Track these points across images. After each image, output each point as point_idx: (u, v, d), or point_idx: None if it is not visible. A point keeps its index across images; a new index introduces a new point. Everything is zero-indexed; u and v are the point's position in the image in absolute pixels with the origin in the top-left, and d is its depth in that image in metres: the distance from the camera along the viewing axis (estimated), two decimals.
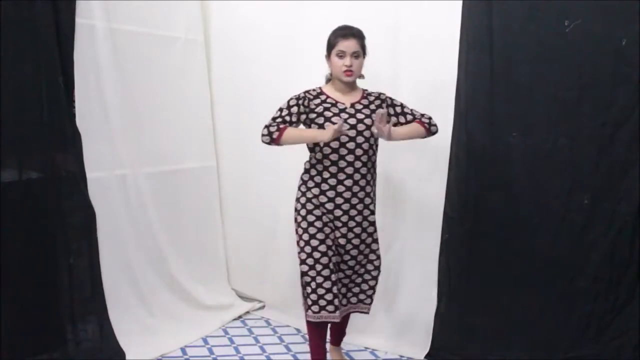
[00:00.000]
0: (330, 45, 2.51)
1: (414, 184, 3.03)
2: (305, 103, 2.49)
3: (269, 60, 3.42)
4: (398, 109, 2.61)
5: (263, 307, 3.60)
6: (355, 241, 2.56)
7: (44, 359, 2.58)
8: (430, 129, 2.60)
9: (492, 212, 2.76)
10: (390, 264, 3.11)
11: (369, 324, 3.17)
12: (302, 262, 2.53)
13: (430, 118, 2.61)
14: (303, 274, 2.53)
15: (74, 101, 2.69)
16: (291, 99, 2.50)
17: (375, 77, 3.05)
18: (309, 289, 2.50)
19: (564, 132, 2.57)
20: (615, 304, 2.52)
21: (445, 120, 2.83)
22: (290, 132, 2.43)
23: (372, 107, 2.56)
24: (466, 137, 2.78)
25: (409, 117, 2.61)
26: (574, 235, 2.58)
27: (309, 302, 2.51)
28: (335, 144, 2.46)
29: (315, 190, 2.51)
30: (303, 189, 2.56)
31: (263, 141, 2.45)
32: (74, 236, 2.75)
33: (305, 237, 2.51)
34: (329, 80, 2.62)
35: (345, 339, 3.21)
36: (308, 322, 2.59)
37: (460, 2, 2.74)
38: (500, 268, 2.76)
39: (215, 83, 3.60)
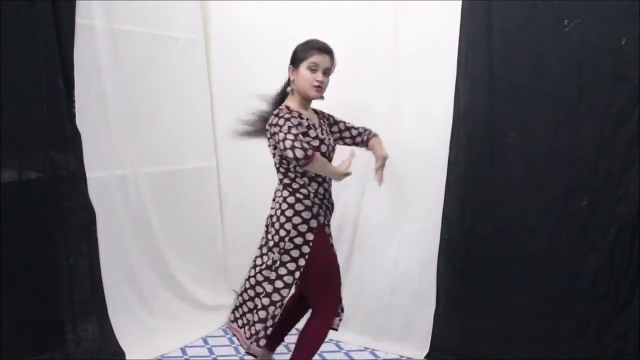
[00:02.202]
0: (300, 57, 2.36)
1: (413, 184, 3.03)
2: (301, 128, 2.33)
3: (268, 60, 3.42)
4: (342, 126, 2.60)
5: None
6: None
7: (44, 359, 2.58)
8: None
9: (491, 213, 2.76)
10: (389, 265, 3.11)
11: (369, 325, 3.17)
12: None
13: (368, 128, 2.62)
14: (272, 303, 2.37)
15: (74, 101, 2.69)
16: (289, 125, 2.26)
17: (374, 77, 3.06)
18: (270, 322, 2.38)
19: (563, 132, 2.57)
20: (614, 305, 2.51)
21: (444, 120, 2.84)
22: (320, 158, 2.29)
23: (325, 127, 2.53)
24: (465, 137, 2.78)
25: (355, 132, 2.61)
26: (573, 236, 2.58)
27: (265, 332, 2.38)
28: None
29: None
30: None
31: (299, 163, 2.23)
32: (74, 236, 2.75)
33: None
34: (284, 93, 2.48)
35: (345, 339, 3.22)
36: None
37: (460, 2, 2.74)
38: (499, 269, 2.75)
39: (215, 83, 3.60)
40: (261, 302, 2.38)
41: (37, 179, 2.59)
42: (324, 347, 3.15)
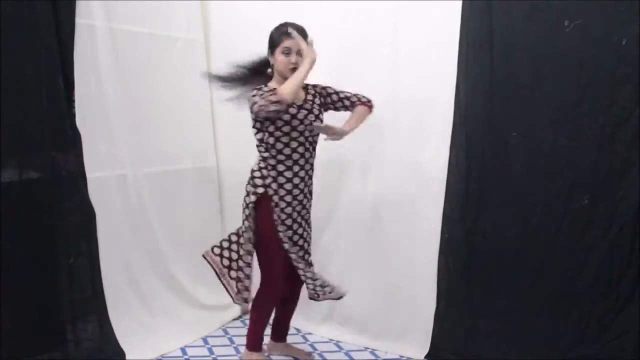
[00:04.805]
0: (274, 43, 2.57)
1: (413, 183, 3.03)
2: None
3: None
4: (335, 97, 2.70)
5: None
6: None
7: (44, 359, 2.58)
8: (371, 106, 2.72)
9: (492, 212, 2.76)
10: (390, 264, 3.11)
11: (369, 324, 3.17)
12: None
13: (365, 97, 2.71)
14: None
15: (74, 101, 2.69)
16: (260, 94, 2.44)
17: (375, 76, 3.06)
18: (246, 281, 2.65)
19: (564, 132, 2.57)
20: (615, 304, 2.52)
21: (445, 120, 2.84)
22: (288, 83, 2.43)
23: (317, 100, 2.66)
24: (466, 137, 2.78)
25: (352, 100, 2.70)
26: (574, 235, 2.58)
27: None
28: (285, 139, 2.54)
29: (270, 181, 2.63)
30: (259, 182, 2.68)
31: (273, 109, 2.38)
32: (74, 236, 2.75)
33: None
34: (270, 77, 2.65)
35: (345, 339, 3.22)
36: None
37: (460, 2, 2.74)
38: (500, 268, 2.76)
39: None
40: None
41: (37, 179, 2.59)
42: (324, 347, 3.17)
